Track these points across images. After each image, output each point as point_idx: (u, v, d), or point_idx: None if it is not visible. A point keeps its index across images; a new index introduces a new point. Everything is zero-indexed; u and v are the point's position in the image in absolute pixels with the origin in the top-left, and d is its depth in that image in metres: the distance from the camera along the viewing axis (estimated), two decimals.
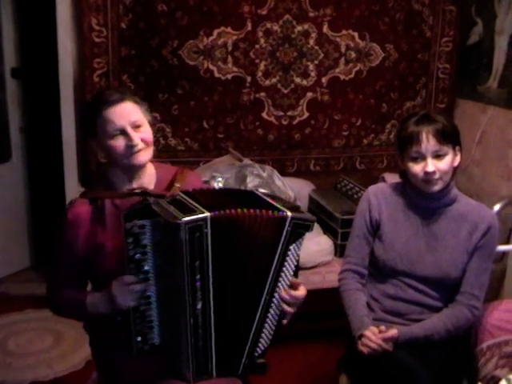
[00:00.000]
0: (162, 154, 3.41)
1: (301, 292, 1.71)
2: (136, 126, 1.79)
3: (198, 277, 1.56)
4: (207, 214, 1.53)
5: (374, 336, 1.96)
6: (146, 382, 1.76)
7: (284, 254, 1.62)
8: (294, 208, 1.67)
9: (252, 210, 1.58)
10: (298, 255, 1.66)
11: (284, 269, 1.64)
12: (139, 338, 1.68)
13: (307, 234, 3.08)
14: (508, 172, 3.33)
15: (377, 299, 2.13)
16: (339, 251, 3.13)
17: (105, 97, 1.81)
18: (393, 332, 1.96)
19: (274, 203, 1.66)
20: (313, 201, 3.54)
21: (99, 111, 1.77)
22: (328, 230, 3.31)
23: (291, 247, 1.63)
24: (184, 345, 1.60)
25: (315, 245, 3.14)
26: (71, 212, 1.81)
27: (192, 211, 1.55)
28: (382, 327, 1.98)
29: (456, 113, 3.84)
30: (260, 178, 3.33)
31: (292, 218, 1.60)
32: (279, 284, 1.65)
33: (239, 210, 1.57)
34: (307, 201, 3.58)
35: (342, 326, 2.13)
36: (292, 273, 1.67)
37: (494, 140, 3.48)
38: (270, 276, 1.63)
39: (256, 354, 1.69)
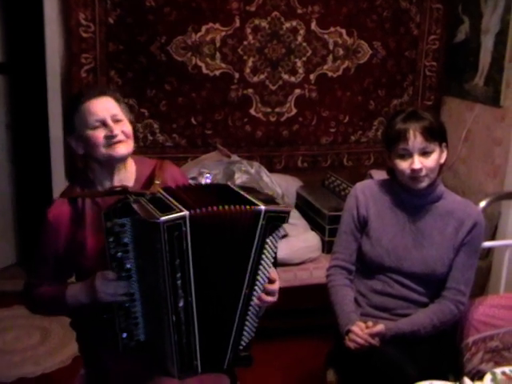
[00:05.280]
0: (149, 150, 3.42)
1: (275, 286, 1.73)
2: (116, 120, 1.81)
3: (178, 275, 1.56)
4: (185, 212, 1.53)
5: (361, 331, 1.97)
6: (133, 378, 1.76)
7: (261, 248, 1.63)
8: (269, 200, 1.67)
9: (228, 207, 1.58)
10: (276, 247, 1.67)
11: (262, 262, 1.65)
12: (125, 335, 1.68)
13: (295, 231, 3.16)
14: (494, 169, 3.36)
15: (364, 295, 2.14)
16: (327, 247, 3.15)
17: (86, 91, 1.88)
18: (380, 327, 1.98)
19: (248, 197, 1.67)
20: (300, 197, 3.56)
21: (79, 103, 1.80)
22: (315, 227, 3.32)
23: (268, 240, 1.64)
24: (168, 341, 1.61)
25: (303, 241, 3.16)
26: (51, 212, 1.82)
27: (171, 210, 1.55)
28: (369, 323, 2.00)
29: (443, 110, 3.87)
30: (248, 175, 3.33)
31: (266, 211, 1.60)
32: (258, 277, 1.66)
33: (217, 207, 1.57)
34: (295, 197, 3.59)
35: (329, 322, 2.14)
36: (271, 265, 1.68)
37: (481, 138, 3.51)
38: (249, 270, 1.64)
39: (240, 348, 1.70)
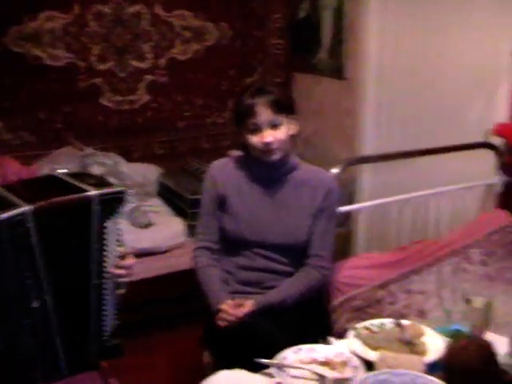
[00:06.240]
0: None
1: (130, 261, 1.69)
2: None
3: (28, 274, 1.47)
4: (26, 207, 1.45)
5: (230, 309, 1.97)
6: None
7: (101, 234, 1.58)
8: (100, 184, 1.61)
9: (65, 197, 1.52)
10: (120, 229, 1.62)
11: (106, 248, 1.60)
12: None
13: (158, 219, 3.11)
14: (346, 139, 3.50)
15: (231, 272, 2.15)
16: (191, 232, 3.13)
17: None
18: (249, 304, 1.99)
19: (78, 184, 1.60)
20: (162, 185, 3.50)
21: None
22: (179, 213, 3.30)
23: (107, 224, 1.58)
24: (27, 346, 1.51)
25: (167, 228, 3.13)
26: None
27: (11, 206, 1.45)
28: (238, 300, 2.00)
29: (293, 87, 3.97)
30: (105, 167, 3.24)
31: (98, 195, 1.55)
32: (105, 264, 1.61)
33: (56, 198, 1.51)
34: (156, 185, 3.53)
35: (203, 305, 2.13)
36: (117, 249, 1.63)
37: (331, 110, 3.65)
38: (94, 259, 1.58)
39: (105, 337, 1.64)
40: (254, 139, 2.05)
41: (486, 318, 1.51)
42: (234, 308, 1.98)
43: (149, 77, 3.58)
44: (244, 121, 2.06)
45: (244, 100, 2.06)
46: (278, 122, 2.04)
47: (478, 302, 1.52)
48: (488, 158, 2.80)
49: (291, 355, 1.55)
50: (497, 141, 2.75)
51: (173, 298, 3.07)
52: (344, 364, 1.49)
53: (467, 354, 1.27)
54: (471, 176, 2.80)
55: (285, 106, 2.08)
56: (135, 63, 3.53)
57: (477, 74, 2.81)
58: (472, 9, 2.81)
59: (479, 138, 2.76)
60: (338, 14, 3.45)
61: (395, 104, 3.20)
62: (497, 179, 2.80)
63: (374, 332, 1.64)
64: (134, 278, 1.71)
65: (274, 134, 2.04)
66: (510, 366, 1.36)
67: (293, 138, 2.14)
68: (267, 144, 2.03)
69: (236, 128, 2.13)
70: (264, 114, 2.02)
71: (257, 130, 2.04)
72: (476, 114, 2.83)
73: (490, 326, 1.52)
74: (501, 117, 2.71)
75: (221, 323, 1.97)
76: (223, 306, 1.98)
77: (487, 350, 1.29)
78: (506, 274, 2.51)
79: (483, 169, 2.82)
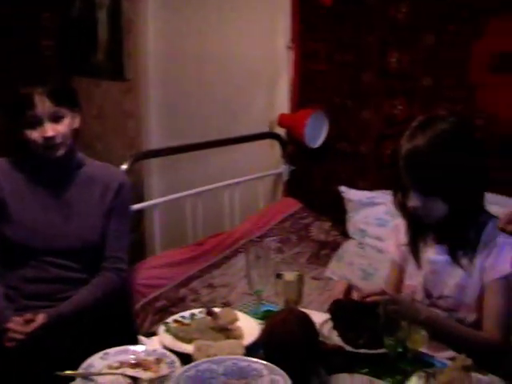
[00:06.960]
0: None
1: None
2: None
3: None
4: None
5: (18, 326, 1.75)
6: None
7: None
8: None
9: None
10: None
11: None
12: None
13: None
14: (129, 141, 3.41)
15: (16, 287, 1.91)
16: None
17: None
18: (40, 318, 1.78)
19: None
20: None
21: None
22: None
23: None
24: None
25: None
26: None
27: None
28: (28, 315, 1.78)
29: None
30: None
31: None
32: None
33: None
34: None
35: None
36: None
37: (112, 113, 3.51)
38: None
39: None
40: (34, 134, 1.84)
41: (299, 291, 1.50)
42: (22, 325, 1.76)
43: None
44: (21, 114, 1.84)
45: (18, 90, 1.84)
46: (60, 114, 1.86)
47: (290, 275, 1.51)
48: (275, 148, 2.89)
49: (98, 362, 1.40)
50: (281, 131, 2.86)
51: None
52: (159, 362, 1.38)
53: (287, 325, 1.23)
54: (263, 167, 2.88)
55: (66, 97, 1.91)
56: None
57: (257, 68, 2.91)
58: (248, 6, 2.89)
59: (266, 129, 2.84)
60: (114, 14, 3.33)
61: (181, 102, 3.17)
62: (283, 168, 2.90)
63: (185, 324, 1.56)
64: None
65: (56, 128, 1.85)
66: (327, 336, 1.36)
67: (76, 131, 1.96)
68: (49, 139, 1.83)
69: (11, 123, 1.89)
70: (44, 105, 1.82)
71: (36, 123, 1.83)
72: (261, 107, 2.91)
73: (302, 300, 1.52)
74: (282, 108, 2.82)
75: (9, 344, 1.74)
76: (9, 325, 1.75)
77: (306, 320, 1.27)
78: (300, 259, 2.63)
79: (273, 159, 2.91)
